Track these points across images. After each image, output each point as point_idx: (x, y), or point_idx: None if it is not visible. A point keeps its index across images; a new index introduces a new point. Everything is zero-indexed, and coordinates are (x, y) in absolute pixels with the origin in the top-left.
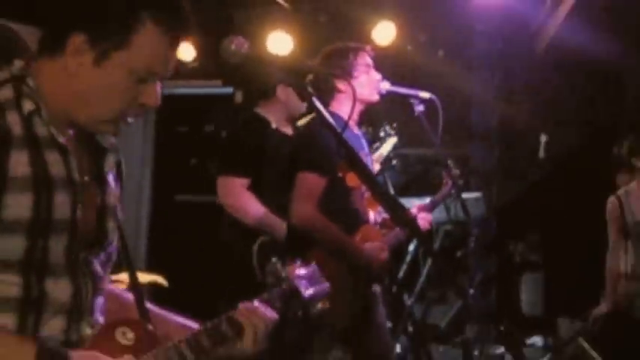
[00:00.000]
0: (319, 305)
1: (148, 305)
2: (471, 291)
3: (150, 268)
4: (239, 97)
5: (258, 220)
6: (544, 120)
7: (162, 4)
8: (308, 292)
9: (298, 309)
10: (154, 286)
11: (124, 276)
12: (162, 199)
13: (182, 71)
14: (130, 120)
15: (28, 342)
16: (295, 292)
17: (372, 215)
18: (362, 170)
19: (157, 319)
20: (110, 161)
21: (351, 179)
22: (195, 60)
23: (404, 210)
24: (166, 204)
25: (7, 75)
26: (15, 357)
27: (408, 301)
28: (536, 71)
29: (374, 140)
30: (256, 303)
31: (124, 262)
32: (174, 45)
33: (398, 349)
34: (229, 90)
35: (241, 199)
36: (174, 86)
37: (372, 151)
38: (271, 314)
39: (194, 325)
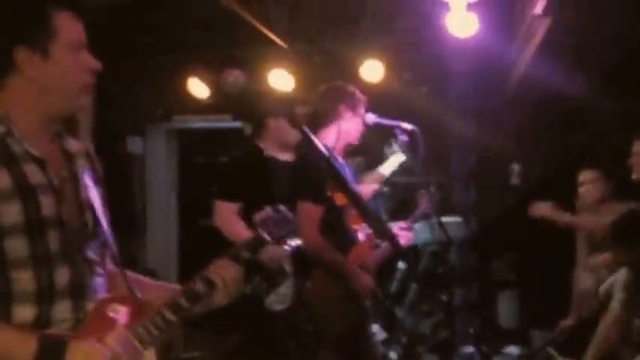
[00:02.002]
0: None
1: (134, 275)
2: (444, 298)
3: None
4: (248, 129)
5: None
6: (515, 150)
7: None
8: (271, 235)
9: (262, 251)
10: None
11: None
12: (188, 224)
13: (198, 107)
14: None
15: (29, 334)
16: (259, 238)
17: (359, 232)
18: (346, 189)
19: (141, 287)
20: (80, 163)
21: (340, 198)
22: (209, 98)
23: (385, 225)
24: (192, 228)
25: None
26: (18, 348)
27: (400, 313)
28: (508, 105)
29: (370, 167)
30: (224, 260)
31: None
32: (78, 17)
33: (394, 357)
34: (240, 124)
35: (229, 222)
36: (191, 121)
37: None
38: (237, 268)
39: (173, 287)
